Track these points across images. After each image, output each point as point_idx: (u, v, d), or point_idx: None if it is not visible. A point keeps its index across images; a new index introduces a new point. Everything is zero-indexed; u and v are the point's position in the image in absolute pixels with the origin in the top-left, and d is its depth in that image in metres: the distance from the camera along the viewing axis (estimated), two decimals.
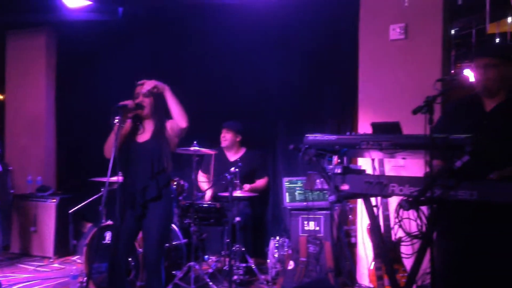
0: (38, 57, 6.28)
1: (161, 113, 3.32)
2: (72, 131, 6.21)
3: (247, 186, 4.77)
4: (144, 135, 3.30)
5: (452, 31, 4.93)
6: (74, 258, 5.37)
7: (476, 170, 2.13)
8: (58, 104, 6.35)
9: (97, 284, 3.95)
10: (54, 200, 5.52)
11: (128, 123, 3.33)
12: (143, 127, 3.33)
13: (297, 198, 4.60)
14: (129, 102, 3.20)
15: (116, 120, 3.08)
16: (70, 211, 5.16)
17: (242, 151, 5.17)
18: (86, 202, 4.88)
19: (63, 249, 5.49)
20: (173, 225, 4.54)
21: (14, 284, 4.42)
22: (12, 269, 4.99)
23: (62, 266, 5.16)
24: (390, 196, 2.54)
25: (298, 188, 4.62)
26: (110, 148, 3.12)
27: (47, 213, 5.52)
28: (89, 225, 5.48)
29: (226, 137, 5.06)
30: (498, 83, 2.52)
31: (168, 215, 3.29)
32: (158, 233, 3.19)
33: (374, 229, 2.80)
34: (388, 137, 2.38)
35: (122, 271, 3.21)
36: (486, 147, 2.13)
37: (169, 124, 3.33)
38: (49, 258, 5.40)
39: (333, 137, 2.68)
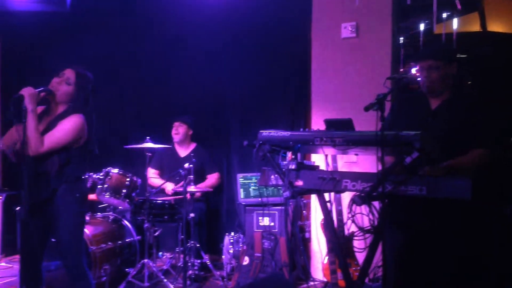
0: None
1: (76, 105, 2.96)
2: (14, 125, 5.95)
3: (201, 186, 4.74)
4: (43, 126, 2.94)
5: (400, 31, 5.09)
6: None
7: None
8: (3, 97, 6.08)
9: (47, 283, 3.83)
10: (0, 197, 5.30)
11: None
12: (53, 113, 3.00)
13: (252, 194, 4.63)
14: (29, 90, 2.83)
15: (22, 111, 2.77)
16: (17, 208, 4.96)
17: (193, 146, 5.15)
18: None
19: (10, 247, 5.28)
20: (126, 222, 4.47)
21: None
22: None
23: (10, 265, 4.98)
24: (343, 191, 2.59)
25: (252, 184, 4.64)
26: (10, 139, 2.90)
27: None
28: None
29: (179, 130, 5.02)
30: (440, 83, 2.65)
31: (76, 215, 2.97)
32: (69, 238, 2.93)
33: (327, 224, 2.86)
34: (341, 134, 2.43)
35: (38, 279, 3.02)
36: (432, 143, 2.21)
37: None
38: None
39: (287, 133, 2.71)
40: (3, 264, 5.04)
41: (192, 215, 4.33)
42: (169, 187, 4.84)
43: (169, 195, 4.81)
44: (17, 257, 5.20)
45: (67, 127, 2.85)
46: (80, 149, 2.93)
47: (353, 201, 2.26)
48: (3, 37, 6.07)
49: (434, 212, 2.44)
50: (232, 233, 4.64)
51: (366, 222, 2.37)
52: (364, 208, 2.30)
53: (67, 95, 2.94)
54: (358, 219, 2.39)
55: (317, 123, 4.53)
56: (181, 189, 4.26)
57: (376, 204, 2.31)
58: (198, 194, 4.76)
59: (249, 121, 5.25)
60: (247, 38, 5.26)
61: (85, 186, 3.13)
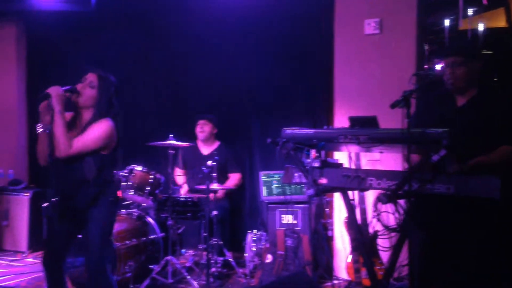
0: (8, 48, 6.09)
1: (102, 109, 2.95)
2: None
3: (220, 193, 4.75)
4: (78, 129, 2.95)
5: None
6: None
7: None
8: (30, 96, 6.21)
9: (72, 279, 3.89)
10: (27, 194, 5.40)
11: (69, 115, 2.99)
12: (80, 119, 2.98)
13: (274, 191, 4.62)
14: (57, 88, 2.84)
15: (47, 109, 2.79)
16: (44, 205, 5.05)
17: (216, 144, 5.16)
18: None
19: (37, 243, 5.38)
20: (150, 219, 4.51)
21: None
22: None
23: (36, 261, 5.06)
24: (367, 189, 2.58)
25: (275, 181, 4.64)
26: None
27: (20, 207, 5.40)
28: None
29: (205, 129, 5.04)
30: (465, 80, 2.61)
31: (105, 218, 3.00)
32: (96, 238, 2.93)
33: (352, 222, 2.84)
34: (366, 131, 2.41)
35: (62, 274, 3.05)
36: (459, 141, 2.18)
37: None
38: (23, 252, 5.29)
39: (310, 131, 2.71)
40: (30, 259, 5.14)
41: (215, 212, 4.34)
42: (182, 191, 4.89)
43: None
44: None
45: (97, 132, 2.88)
46: (112, 154, 2.97)
47: (378, 199, 2.24)
48: (29, 36, 6.19)
49: (461, 210, 2.39)
50: (255, 231, 4.64)
51: (391, 221, 2.34)
52: (389, 207, 2.27)
53: (92, 99, 2.95)
54: (384, 217, 2.36)
55: (340, 121, 4.50)
56: (203, 187, 4.28)
57: (402, 202, 2.28)
58: (220, 193, 4.78)
59: (270, 118, 5.24)
60: (269, 34, 5.24)
61: (117, 188, 3.18)
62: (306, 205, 4.36)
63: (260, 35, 5.28)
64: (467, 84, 2.61)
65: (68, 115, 2.97)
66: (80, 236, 3.06)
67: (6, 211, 5.44)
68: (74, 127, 2.96)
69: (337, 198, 4.49)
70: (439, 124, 2.28)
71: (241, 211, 5.41)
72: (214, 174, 4.30)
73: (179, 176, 5.06)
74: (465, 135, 2.28)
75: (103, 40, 5.49)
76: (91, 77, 2.98)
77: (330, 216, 4.57)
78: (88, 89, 2.96)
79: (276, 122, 5.08)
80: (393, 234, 2.39)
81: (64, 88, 2.86)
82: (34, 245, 5.38)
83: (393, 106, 2.31)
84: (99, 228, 2.95)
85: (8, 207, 5.43)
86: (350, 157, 4.05)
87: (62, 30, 5.79)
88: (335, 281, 4.21)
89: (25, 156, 6.20)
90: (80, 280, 3.82)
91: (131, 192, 4.28)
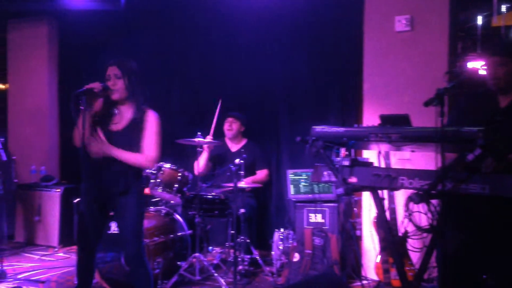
0: (40, 47, 6.24)
1: (139, 98, 3.05)
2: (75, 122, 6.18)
3: (248, 180, 4.76)
4: (119, 124, 3.04)
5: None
6: None
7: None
8: (61, 94, 6.33)
9: (102, 274, 3.96)
10: (59, 190, 5.52)
11: (99, 109, 3.04)
12: (119, 114, 3.06)
13: (302, 190, 4.60)
14: (95, 85, 2.88)
15: (82, 107, 2.80)
16: (74, 201, 5.15)
17: (243, 141, 5.17)
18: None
19: (67, 238, 5.49)
20: (178, 216, 4.55)
21: (20, 273, 4.43)
22: (17, 258, 5.00)
23: (67, 256, 5.17)
24: (399, 189, 2.53)
25: (302, 180, 4.61)
26: (78, 137, 2.86)
27: (52, 203, 5.52)
28: None
29: (233, 126, 5.05)
30: (507, 80, 2.54)
31: (140, 207, 3.09)
32: (133, 227, 3.02)
33: (382, 222, 2.80)
34: (398, 130, 2.37)
35: (89, 270, 3.11)
36: (497, 140, 2.12)
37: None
38: (54, 247, 5.41)
39: (341, 129, 2.68)
40: (60, 254, 5.24)
41: (242, 210, 4.35)
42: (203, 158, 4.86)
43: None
44: (74, 247, 5.40)
45: (156, 128, 3.08)
46: None
47: (410, 199, 2.20)
48: (60, 36, 6.31)
49: (496, 211, 2.33)
50: (282, 229, 4.62)
51: (423, 221, 2.30)
52: (421, 207, 2.23)
53: (124, 88, 3.00)
54: (415, 217, 2.32)
55: (369, 119, 4.44)
56: (230, 184, 4.29)
57: (435, 202, 2.24)
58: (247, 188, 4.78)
59: (298, 116, 5.21)
60: (296, 31, 5.22)
61: (145, 180, 3.25)
62: (334, 204, 4.32)
63: (289, 33, 5.27)
64: (509, 85, 2.56)
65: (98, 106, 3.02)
66: (109, 232, 3.14)
67: (38, 207, 5.56)
68: (113, 122, 3.03)
69: (366, 198, 4.45)
70: (480, 123, 2.22)
71: (268, 209, 5.41)
72: (242, 172, 4.30)
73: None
74: (509, 136, 2.21)
75: (132, 39, 5.57)
76: (111, 71, 3.02)
77: (359, 215, 4.53)
78: (116, 81, 2.99)
79: (304, 120, 5.07)
80: (424, 234, 2.33)
81: (102, 84, 2.91)
82: (64, 240, 5.49)
83: (427, 104, 2.26)
84: (135, 216, 3.02)
85: (40, 203, 5.56)
86: (379, 156, 4.01)
87: (91, 29, 5.90)
88: (364, 282, 4.16)
89: (57, 153, 6.34)
90: (110, 276, 3.89)
91: (160, 189, 4.31)
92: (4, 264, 4.26)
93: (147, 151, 3.02)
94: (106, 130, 3.01)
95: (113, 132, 3.02)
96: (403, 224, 2.49)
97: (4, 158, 4.08)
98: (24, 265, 4.75)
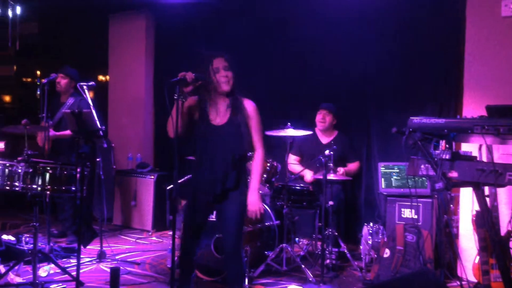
0: (138, 40, 6.54)
1: (234, 89, 3.04)
2: (169, 112, 6.40)
3: (341, 170, 4.68)
4: (221, 117, 3.02)
5: None
6: (171, 232, 5.57)
7: None
8: (156, 85, 6.60)
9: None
10: (153, 177, 5.77)
11: (194, 100, 3.04)
12: (215, 106, 3.04)
13: (393, 184, 4.44)
14: (188, 74, 2.82)
15: (175, 96, 2.77)
16: (167, 188, 5.36)
17: (334, 134, 5.07)
18: (182, 180, 5.02)
19: (160, 223, 5.74)
20: (266, 206, 4.57)
21: (117, 254, 4.70)
22: (115, 240, 5.30)
23: (160, 240, 5.40)
24: (506, 185, 2.34)
25: (394, 173, 4.45)
26: (172, 128, 2.82)
27: (146, 189, 5.79)
28: (184, 202, 5.65)
29: (326, 119, 4.97)
30: None
31: (245, 201, 3.05)
32: (236, 221, 3.02)
33: (485, 221, 2.61)
34: (508, 122, 2.19)
35: (191, 257, 3.14)
36: None
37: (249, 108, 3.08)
38: (148, 231, 5.67)
39: (441, 120, 2.53)
40: (154, 238, 5.49)
41: (331, 203, 4.27)
42: (308, 175, 4.80)
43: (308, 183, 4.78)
44: (167, 232, 5.64)
45: (259, 118, 3.10)
46: None
47: None
48: (157, 28, 6.57)
49: None
50: (371, 224, 4.49)
51: None
52: None
53: (231, 82, 3.01)
54: None
55: (470, 110, 4.16)
56: (320, 177, 4.23)
57: None
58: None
59: (389, 108, 5.03)
60: (390, 17, 5.01)
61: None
62: (428, 200, 4.12)
63: (381, 18, 5.06)
64: None
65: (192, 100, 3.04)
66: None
67: (134, 192, 5.86)
68: (212, 116, 3.02)
69: (465, 194, 4.19)
70: None
71: (357, 202, 5.29)
72: (331, 164, 4.23)
73: (294, 164, 5.05)
74: None
75: (225, 30, 5.64)
76: (220, 63, 3.01)
77: (455, 212, 4.28)
78: (227, 73, 2.99)
79: (395, 112, 4.87)
80: None
81: (195, 74, 2.88)
82: (158, 224, 5.74)
83: None
84: (240, 212, 3.03)
85: (136, 188, 5.85)
86: (480, 150, 3.75)
87: (186, 21, 6.06)
88: (462, 282, 3.92)
89: (151, 141, 6.64)
90: (201, 262, 3.98)
91: (248, 179, 4.34)
92: (104, 245, 4.53)
93: (259, 147, 3.08)
94: (207, 123, 3.01)
95: (216, 126, 3.01)
96: (510, 224, 2.30)
97: (105, 145, 4.32)
98: (121, 247, 5.02)
